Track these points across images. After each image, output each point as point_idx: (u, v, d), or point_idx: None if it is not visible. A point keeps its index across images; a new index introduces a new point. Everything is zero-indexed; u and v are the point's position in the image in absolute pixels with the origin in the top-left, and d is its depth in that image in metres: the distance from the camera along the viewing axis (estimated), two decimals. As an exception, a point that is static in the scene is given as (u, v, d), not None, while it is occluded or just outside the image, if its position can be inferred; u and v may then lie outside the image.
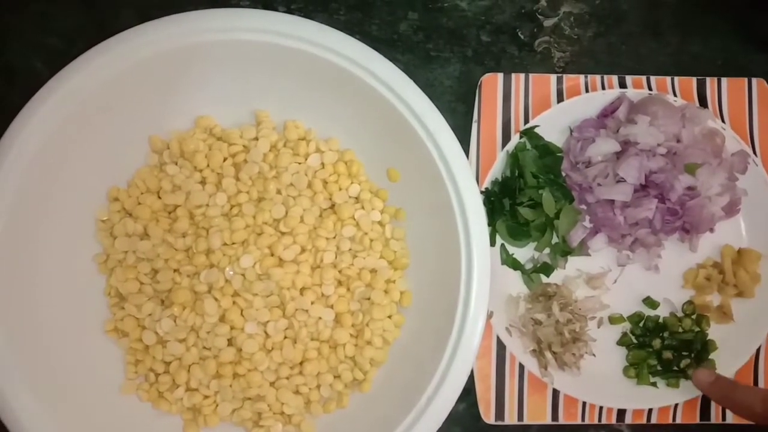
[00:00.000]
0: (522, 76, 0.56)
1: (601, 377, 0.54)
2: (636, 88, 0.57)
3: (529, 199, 0.54)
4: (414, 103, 0.46)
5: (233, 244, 0.49)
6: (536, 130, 0.55)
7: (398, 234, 0.52)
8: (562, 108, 0.56)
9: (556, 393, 0.54)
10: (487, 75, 0.56)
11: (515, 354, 0.53)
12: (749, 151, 0.56)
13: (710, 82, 0.58)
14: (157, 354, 0.49)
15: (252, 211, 0.50)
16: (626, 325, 0.55)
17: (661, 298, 0.56)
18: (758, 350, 0.54)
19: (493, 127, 0.56)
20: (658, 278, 0.56)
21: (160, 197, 0.51)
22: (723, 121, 0.57)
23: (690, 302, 0.55)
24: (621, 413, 0.54)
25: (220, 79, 0.50)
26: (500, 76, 0.56)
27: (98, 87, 0.46)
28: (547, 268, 0.55)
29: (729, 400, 0.50)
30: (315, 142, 0.52)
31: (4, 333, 0.43)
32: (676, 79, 0.58)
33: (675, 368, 0.54)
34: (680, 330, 0.55)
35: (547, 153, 0.55)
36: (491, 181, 0.55)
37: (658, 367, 0.54)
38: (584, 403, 0.54)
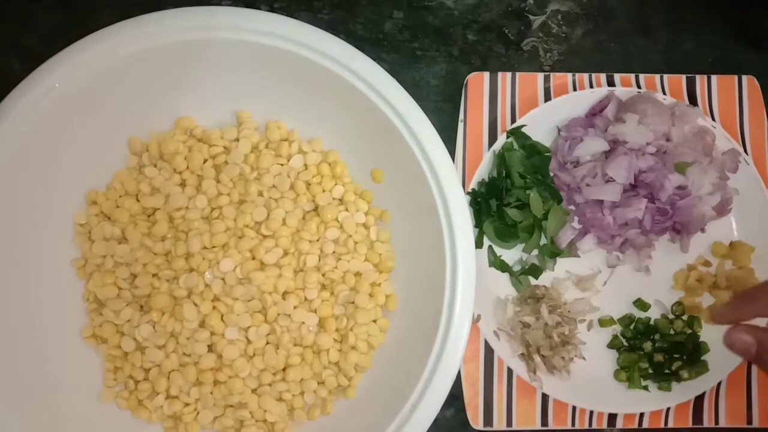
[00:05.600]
0: (508, 74, 0.56)
1: (592, 381, 0.53)
2: (624, 87, 0.56)
3: (517, 200, 0.53)
4: (397, 102, 0.45)
5: (213, 247, 0.48)
6: (523, 129, 0.54)
7: (383, 236, 0.51)
8: (550, 107, 0.55)
9: (545, 398, 0.53)
10: (473, 74, 0.55)
11: (503, 358, 0.52)
12: (740, 149, 0.55)
13: (700, 80, 0.57)
14: (137, 361, 0.48)
15: (233, 214, 0.49)
16: (617, 328, 0.55)
17: (652, 300, 0.55)
18: (751, 352, 0.54)
19: (479, 126, 0.55)
20: (648, 279, 0.55)
21: (138, 200, 0.50)
22: (713, 119, 0.56)
23: (679, 303, 0.54)
24: (612, 418, 0.53)
25: (201, 79, 0.49)
26: (486, 75, 0.55)
27: (75, 86, 0.45)
28: (535, 270, 0.54)
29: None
30: (298, 142, 0.51)
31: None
32: (665, 77, 0.57)
33: (667, 371, 0.54)
34: (672, 332, 0.54)
35: (534, 153, 0.54)
36: (478, 182, 0.54)
37: (650, 370, 0.54)
38: (574, 408, 0.53)
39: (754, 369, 0.54)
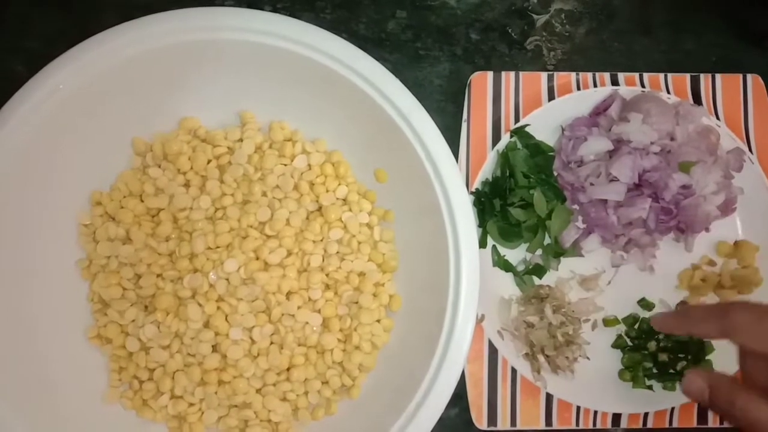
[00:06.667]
0: (512, 74, 0.56)
1: (596, 381, 0.53)
2: (628, 86, 0.56)
3: (521, 200, 0.53)
4: (400, 102, 0.45)
5: (217, 248, 0.48)
6: (527, 129, 0.54)
7: (387, 236, 0.51)
8: (553, 106, 0.55)
9: (549, 397, 0.52)
10: (476, 74, 0.55)
11: (507, 358, 0.52)
12: (745, 148, 0.55)
13: (704, 79, 0.57)
14: (141, 361, 0.48)
15: (237, 214, 0.49)
16: (621, 327, 0.54)
17: (657, 300, 0.55)
18: (756, 352, 0.53)
19: (483, 126, 0.55)
20: (653, 279, 0.55)
21: (143, 201, 0.50)
22: (717, 118, 0.56)
23: (683, 302, 0.54)
24: (616, 417, 0.53)
25: (204, 79, 0.49)
26: (490, 74, 0.55)
27: (79, 87, 0.45)
28: (539, 270, 0.54)
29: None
30: (301, 143, 0.51)
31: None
32: (669, 76, 0.57)
33: (671, 371, 0.53)
34: (676, 332, 0.54)
35: (538, 152, 0.54)
36: (481, 182, 0.54)
37: (654, 370, 0.53)
38: (578, 408, 0.53)
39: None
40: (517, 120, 0.55)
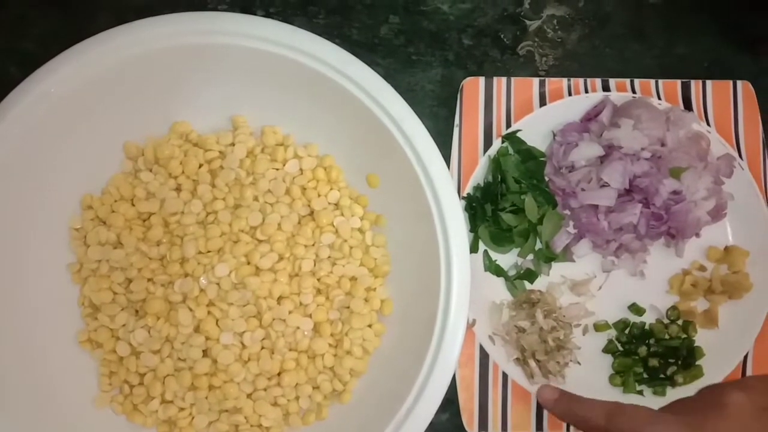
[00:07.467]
0: (504, 79, 0.56)
1: (587, 386, 0.53)
2: (620, 92, 0.56)
3: (512, 205, 0.53)
4: (391, 107, 0.46)
5: (208, 252, 0.48)
6: (518, 134, 0.55)
7: (379, 241, 0.51)
8: (545, 112, 0.55)
9: (540, 402, 0.53)
10: (468, 79, 0.56)
11: (498, 363, 0.52)
12: (735, 154, 0.55)
13: (695, 85, 0.57)
14: (131, 365, 0.48)
15: (228, 219, 0.49)
16: (612, 333, 0.54)
17: (647, 305, 0.55)
18: (746, 356, 0.54)
19: (474, 131, 0.55)
20: (643, 284, 0.55)
21: (134, 205, 0.50)
22: (708, 124, 0.57)
23: (674, 307, 0.54)
24: (607, 422, 0.53)
25: (197, 83, 0.49)
26: (482, 79, 0.56)
27: (72, 90, 0.45)
28: (530, 275, 0.54)
29: (572, 415, 0.47)
30: (293, 147, 0.51)
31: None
32: (660, 81, 0.57)
33: (662, 376, 0.54)
34: (666, 337, 0.54)
35: (529, 157, 0.54)
36: (473, 187, 0.54)
37: (645, 375, 0.54)
38: (569, 412, 0.53)
39: (749, 373, 0.54)
40: (508, 125, 0.55)
